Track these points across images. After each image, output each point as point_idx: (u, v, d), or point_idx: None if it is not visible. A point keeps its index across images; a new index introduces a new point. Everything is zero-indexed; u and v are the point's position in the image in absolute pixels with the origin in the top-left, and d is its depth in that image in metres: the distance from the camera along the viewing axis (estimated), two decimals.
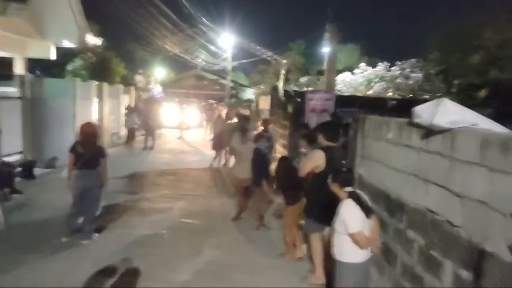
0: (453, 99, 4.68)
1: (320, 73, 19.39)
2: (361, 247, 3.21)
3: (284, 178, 5.25)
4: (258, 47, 25.41)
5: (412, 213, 3.38)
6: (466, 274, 2.63)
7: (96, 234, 5.49)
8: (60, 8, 14.12)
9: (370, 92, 16.75)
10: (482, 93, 3.79)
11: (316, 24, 21.70)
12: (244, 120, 7.88)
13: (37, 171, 9.10)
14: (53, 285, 4.10)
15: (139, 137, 15.34)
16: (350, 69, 21.16)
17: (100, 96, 13.69)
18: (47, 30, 13.37)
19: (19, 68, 13.16)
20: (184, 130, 18.39)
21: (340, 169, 3.54)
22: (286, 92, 10.38)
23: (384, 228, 3.78)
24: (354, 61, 30.13)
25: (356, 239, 3.17)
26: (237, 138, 6.55)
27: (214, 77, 31.10)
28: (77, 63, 14.15)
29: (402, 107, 5.66)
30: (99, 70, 15.33)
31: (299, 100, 8.24)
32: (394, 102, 9.52)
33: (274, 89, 13.09)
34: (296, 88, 16.25)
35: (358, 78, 18.06)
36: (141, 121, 14.60)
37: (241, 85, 31.94)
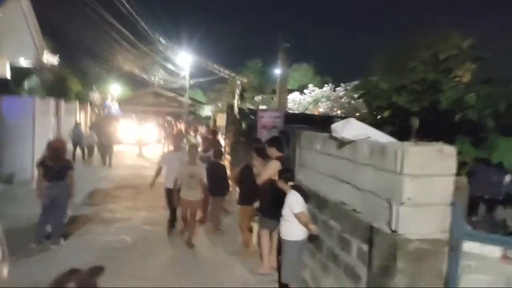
0: (370, 118, 5.84)
1: (274, 92, 20.68)
2: (303, 224, 4.16)
3: (246, 183, 6.11)
4: (216, 66, 26.47)
5: (332, 206, 4.36)
6: (365, 247, 3.60)
7: (63, 240, 6.00)
8: (17, 27, 14.35)
9: (320, 109, 18.21)
10: (386, 113, 4.74)
11: (272, 43, 23.09)
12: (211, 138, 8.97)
13: None
14: (28, 284, 4.60)
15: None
16: (304, 87, 22.67)
17: (57, 113, 13.91)
18: (3, 48, 13.54)
19: None
20: (143, 146, 18.75)
21: (285, 169, 4.54)
22: (240, 110, 11.33)
23: (314, 221, 4.73)
24: (308, 79, 31.96)
25: (299, 217, 4.13)
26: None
27: (172, 94, 31.63)
28: (33, 81, 14.32)
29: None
30: (56, 88, 15.51)
31: (252, 117, 9.19)
32: (338, 119, 10.72)
33: (230, 107, 14.04)
34: (251, 106, 17.32)
35: (307, 98, 19.58)
36: (99, 138, 14.87)
37: (199, 102, 32.68)
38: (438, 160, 3.04)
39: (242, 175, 6.29)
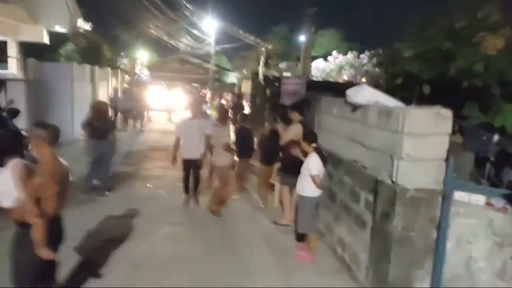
0: (385, 84, 6.24)
1: (299, 59, 20.82)
2: (316, 185, 4.75)
3: (268, 145, 6.68)
4: (241, 32, 26.57)
5: (345, 164, 4.93)
6: (371, 198, 4.19)
7: (108, 192, 6.89)
8: None
9: (344, 77, 18.33)
10: (399, 80, 5.06)
11: (299, 7, 22.94)
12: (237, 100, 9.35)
13: None
14: (82, 228, 5.43)
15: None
16: (330, 53, 22.59)
17: (92, 79, 14.79)
18: (40, 15, 14.30)
19: (12, 51, 14.14)
20: (172, 112, 19.61)
21: (309, 132, 5.11)
22: (265, 77, 11.78)
23: (330, 178, 5.32)
24: (334, 45, 31.52)
25: (314, 179, 4.71)
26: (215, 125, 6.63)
27: (198, 61, 32.13)
28: (69, 47, 15.16)
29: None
30: (90, 54, 16.36)
31: (276, 84, 9.68)
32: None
33: (255, 74, 14.46)
34: (275, 73, 17.65)
35: (331, 65, 19.63)
36: (131, 104, 15.74)
37: (224, 69, 33.07)
38: (435, 121, 3.53)
39: (265, 138, 6.88)
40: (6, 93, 8.75)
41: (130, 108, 15.35)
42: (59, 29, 15.10)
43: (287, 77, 11.07)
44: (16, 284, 2.92)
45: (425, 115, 3.54)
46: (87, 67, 13.99)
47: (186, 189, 6.69)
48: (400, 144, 3.57)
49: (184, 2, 24.40)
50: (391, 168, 3.70)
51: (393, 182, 3.68)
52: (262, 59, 19.59)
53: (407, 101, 4.78)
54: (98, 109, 6.78)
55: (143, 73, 26.98)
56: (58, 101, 11.71)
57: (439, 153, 3.58)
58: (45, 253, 2.85)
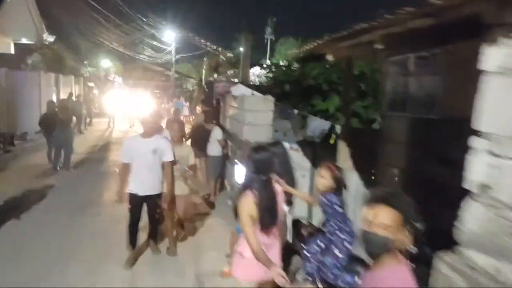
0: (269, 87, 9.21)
1: (252, 65, 23.95)
2: (221, 146, 7.60)
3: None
4: (202, 40, 29.53)
5: (240, 142, 7.83)
6: (238, 149, 7.08)
7: (72, 169, 9.54)
8: (19, 10, 17.47)
9: None
10: (270, 82, 8.01)
11: (263, 16, 25.90)
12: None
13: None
14: (57, 188, 8.06)
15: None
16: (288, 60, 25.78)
17: (57, 85, 17.25)
18: (8, 29, 16.70)
19: None
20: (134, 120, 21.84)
21: (208, 115, 7.99)
22: (208, 82, 14.65)
23: (231, 149, 8.18)
24: (293, 52, 34.94)
25: (220, 142, 7.52)
26: None
27: (160, 68, 34.76)
28: (35, 57, 17.58)
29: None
30: (54, 63, 18.79)
31: (206, 88, 12.60)
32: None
33: (200, 80, 17.34)
34: (223, 79, 20.60)
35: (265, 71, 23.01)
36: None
37: (186, 76, 35.84)
38: (264, 103, 6.51)
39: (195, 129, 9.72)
40: None
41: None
42: (25, 41, 17.52)
43: (219, 81, 14.00)
44: None
45: (257, 99, 6.52)
46: (52, 75, 16.47)
47: (132, 242, 4.58)
48: (244, 116, 6.52)
49: (147, 14, 27.15)
50: (242, 131, 6.64)
51: (244, 139, 6.62)
52: (204, 67, 22.59)
53: (276, 95, 7.79)
54: (49, 107, 9.52)
55: (117, 81, 29.35)
56: (28, 105, 14.15)
57: (267, 121, 6.55)
58: None
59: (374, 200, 1.67)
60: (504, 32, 1.85)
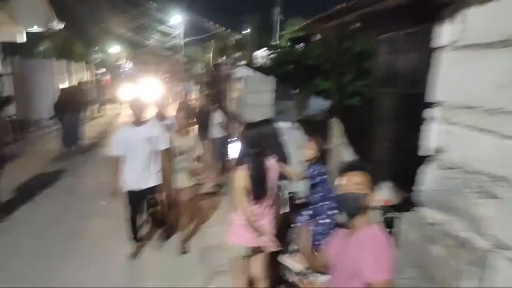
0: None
1: (259, 47, 23.97)
2: (223, 128, 7.91)
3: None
4: (211, 22, 29.57)
5: (238, 116, 8.10)
6: (240, 127, 7.38)
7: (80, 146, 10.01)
8: None
9: None
10: (273, 63, 8.33)
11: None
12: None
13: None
14: (66, 160, 8.51)
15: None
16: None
17: (69, 72, 17.70)
18: (20, 17, 17.12)
19: None
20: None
21: (211, 97, 8.29)
22: (215, 65, 14.89)
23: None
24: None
25: (221, 124, 7.85)
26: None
27: (169, 52, 34.98)
28: (46, 45, 18.02)
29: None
30: (65, 50, 19.23)
31: (215, 71, 12.85)
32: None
33: (206, 63, 17.56)
34: (230, 61, 20.74)
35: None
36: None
37: (195, 59, 36.01)
38: (266, 84, 6.74)
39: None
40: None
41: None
42: (36, 29, 17.94)
43: (224, 64, 14.23)
44: None
45: (261, 79, 6.76)
46: (64, 62, 16.90)
47: (134, 234, 4.53)
48: (246, 98, 6.78)
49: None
50: (245, 111, 6.91)
51: (245, 119, 6.89)
52: (212, 49, 22.76)
53: (279, 76, 8.01)
54: (62, 93, 9.94)
55: (128, 67, 29.81)
56: (41, 92, 14.62)
57: (268, 101, 6.80)
58: None
59: (346, 168, 1.97)
60: (455, 9, 2.07)
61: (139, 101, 4.23)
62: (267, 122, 4.07)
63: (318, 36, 4.38)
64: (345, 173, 1.94)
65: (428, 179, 2.29)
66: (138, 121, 4.14)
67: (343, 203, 1.94)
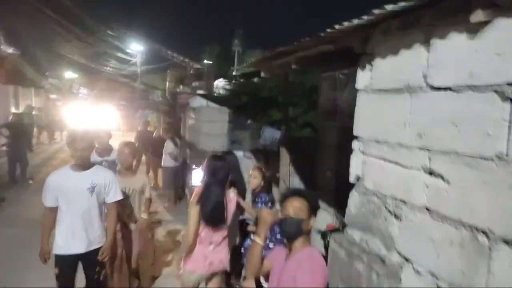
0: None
1: (221, 76, 24.57)
2: (173, 158, 8.07)
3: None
4: (169, 52, 29.91)
5: (196, 148, 8.33)
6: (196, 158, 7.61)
7: (30, 181, 9.75)
8: None
9: None
10: (229, 93, 8.70)
11: (230, 28, 26.54)
12: None
13: None
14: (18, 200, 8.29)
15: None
16: (254, 72, 26.43)
17: (16, 98, 17.23)
18: None
19: None
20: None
21: (170, 127, 8.49)
22: (172, 93, 15.14)
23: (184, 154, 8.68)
24: None
25: (171, 155, 8.01)
26: None
27: (126, 80, 34.72)
28: None
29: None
30: (12, 75, 18.76)
31: (172, 99, 13.09)
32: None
33: (164, 91, 17.78)
34: (188, 90, 21.10)
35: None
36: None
37: (153, 87, 35.96)
38: (219, 114, 7.07)
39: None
40: None
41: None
42: None
43: (181, 93, 14.54)
44: None
45: (214, 110, 7.09)
46: (11, 87, 16.48)
47: None
48: (200, 127, 7.07)
49: (112, 26, 27.29)
50: (199, 140, 7.17)
51: (199, 148, 7.15)
52: (168, 78, 23.06)
53: (235, 106, 8.39)
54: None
55: (82, 92, 29.15)
56: None
57: (222, 131, 7.12)
58: None
59: (287, 194, 2.22)
60: (367, 59, 2.51)
61: (84, 137, 3.29)
62: (230, 154, 4.29)
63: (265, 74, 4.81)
64: (286, 199, 2.18)
65: (352, 203, 2.66)
66: (79, 165, 3.27)
67: (284, 226, 2.15)
